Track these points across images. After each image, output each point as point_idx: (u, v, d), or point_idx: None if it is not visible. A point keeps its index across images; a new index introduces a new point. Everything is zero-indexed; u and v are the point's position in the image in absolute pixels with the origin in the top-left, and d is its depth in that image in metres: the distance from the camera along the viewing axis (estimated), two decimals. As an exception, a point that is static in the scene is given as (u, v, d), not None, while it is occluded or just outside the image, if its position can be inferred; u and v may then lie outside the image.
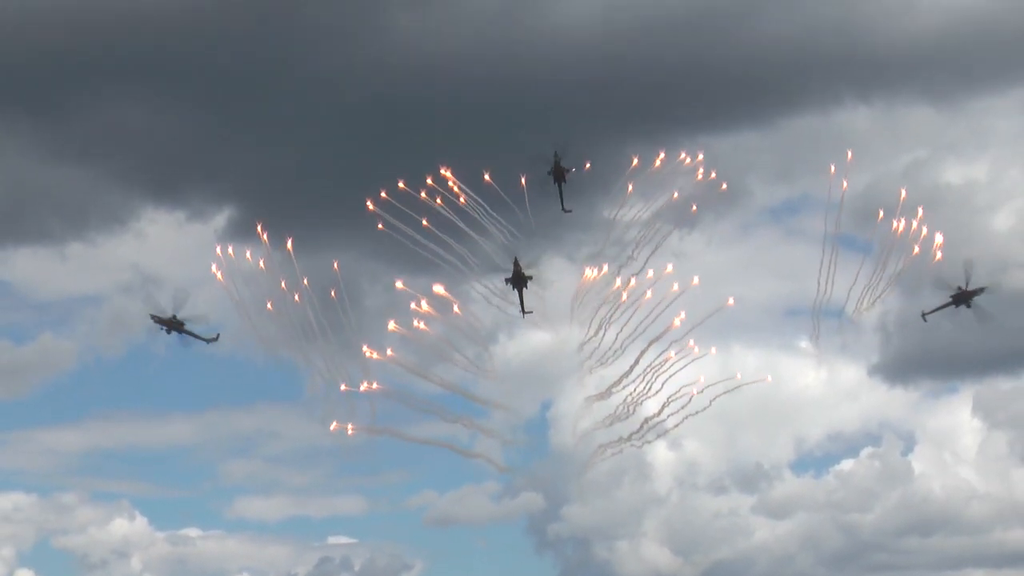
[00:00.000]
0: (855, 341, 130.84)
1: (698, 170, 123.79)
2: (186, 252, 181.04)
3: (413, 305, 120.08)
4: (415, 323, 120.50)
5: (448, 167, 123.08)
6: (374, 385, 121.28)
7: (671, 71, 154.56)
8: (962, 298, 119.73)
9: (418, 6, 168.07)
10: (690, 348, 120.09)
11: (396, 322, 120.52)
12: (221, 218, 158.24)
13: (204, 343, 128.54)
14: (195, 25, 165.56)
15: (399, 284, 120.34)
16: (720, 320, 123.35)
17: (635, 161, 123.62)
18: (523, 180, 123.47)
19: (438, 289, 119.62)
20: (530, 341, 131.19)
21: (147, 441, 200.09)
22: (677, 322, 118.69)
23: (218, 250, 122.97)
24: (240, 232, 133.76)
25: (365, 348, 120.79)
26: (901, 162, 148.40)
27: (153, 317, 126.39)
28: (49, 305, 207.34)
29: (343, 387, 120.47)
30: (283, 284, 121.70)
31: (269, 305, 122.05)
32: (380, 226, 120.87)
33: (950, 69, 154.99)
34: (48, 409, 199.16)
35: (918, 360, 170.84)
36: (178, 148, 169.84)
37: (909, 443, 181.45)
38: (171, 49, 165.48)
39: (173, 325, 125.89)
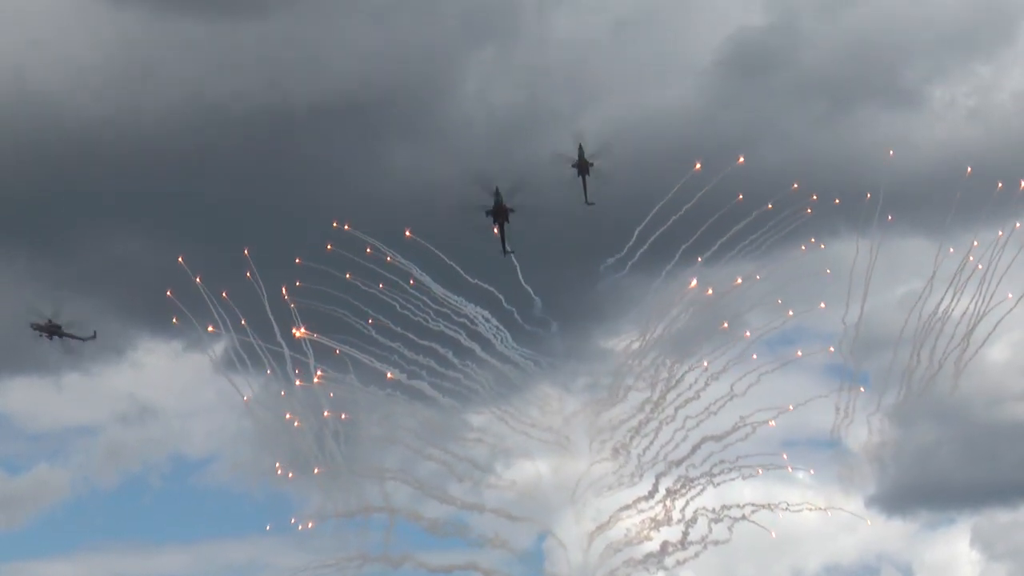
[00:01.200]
0: (852, 472, 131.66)
1: (698, 303, 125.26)
2: (183, 382, 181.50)
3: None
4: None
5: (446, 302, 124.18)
6: (310, 525, 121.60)
7: (667, 202, 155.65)
8: None
9: (413, 140, 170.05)
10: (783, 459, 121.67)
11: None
12: (218, 347, 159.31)
13: (81, 341, 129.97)
14: (193, 161, 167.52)
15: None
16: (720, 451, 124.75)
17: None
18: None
19: None
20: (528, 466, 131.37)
21: (141, 572, 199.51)
22: (772, 422, 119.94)
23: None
24: (237, 362, 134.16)
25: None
26: (896, 294, 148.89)
27: (32, 325, 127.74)
28: (44, 435, 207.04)
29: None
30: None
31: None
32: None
33: (945, 202, 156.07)
34: (41, 540, 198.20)
35: (916, 491, 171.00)
36: (175, 279, 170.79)
37: (907, 575, 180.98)
38: (169, 184, 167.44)
39: (52, 330, 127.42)
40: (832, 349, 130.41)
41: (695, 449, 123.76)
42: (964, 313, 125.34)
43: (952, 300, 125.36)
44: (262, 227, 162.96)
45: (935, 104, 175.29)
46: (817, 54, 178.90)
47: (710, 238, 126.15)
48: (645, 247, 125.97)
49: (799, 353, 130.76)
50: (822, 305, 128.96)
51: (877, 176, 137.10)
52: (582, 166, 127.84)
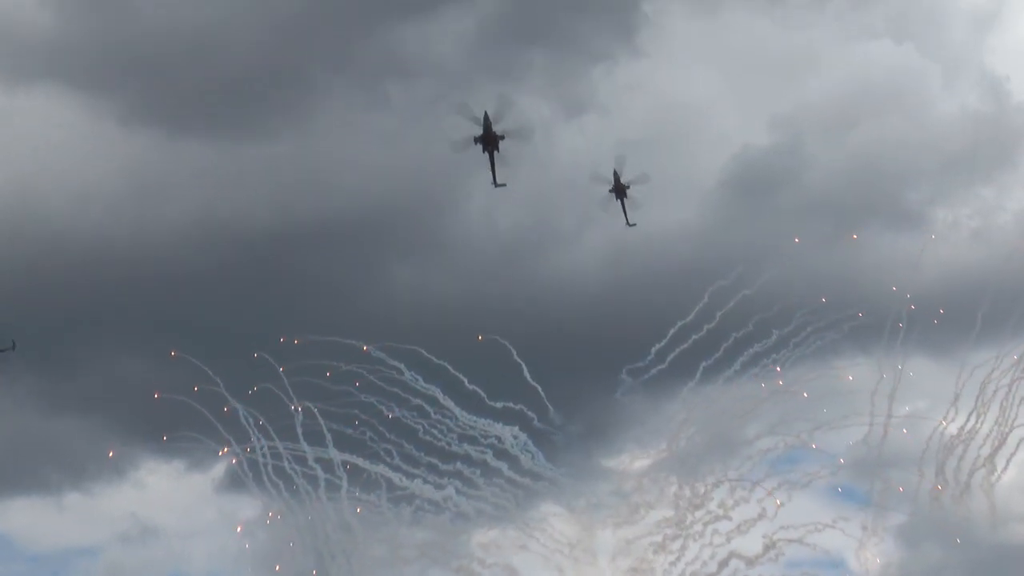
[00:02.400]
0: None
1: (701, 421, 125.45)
2: (185, 502, 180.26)
3: None
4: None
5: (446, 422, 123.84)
6: None
7: (670, 323, 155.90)
8: None
9: (414, 257, 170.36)
10: None
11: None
12: (220, 467, 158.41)
13: (2, 353, 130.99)
14: (195, 280, 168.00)
15: None
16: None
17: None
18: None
19: None
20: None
21: None
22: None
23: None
24: (239, 483, 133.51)
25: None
26: (901, 414, 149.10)
27: None
28: (45, 557, 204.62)
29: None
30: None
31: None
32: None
33: (950, 323, 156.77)
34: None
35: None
36: (177, 399, 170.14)
37: None
38: (171, 303, 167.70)
39: None
40: (845, 465, 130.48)
41: (721, 566, 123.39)
42: (967, 434, 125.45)
43: (978, 421, 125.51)
44: (267, 346, 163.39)
45: (938, 225, 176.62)
46: (821, 175, 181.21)
47: (731, 356, 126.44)
48: (665, 364, 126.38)
49: (820, 474, 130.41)
50: (832, 431, 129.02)
51: (883, 296, 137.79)
52: (619, 189, 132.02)
